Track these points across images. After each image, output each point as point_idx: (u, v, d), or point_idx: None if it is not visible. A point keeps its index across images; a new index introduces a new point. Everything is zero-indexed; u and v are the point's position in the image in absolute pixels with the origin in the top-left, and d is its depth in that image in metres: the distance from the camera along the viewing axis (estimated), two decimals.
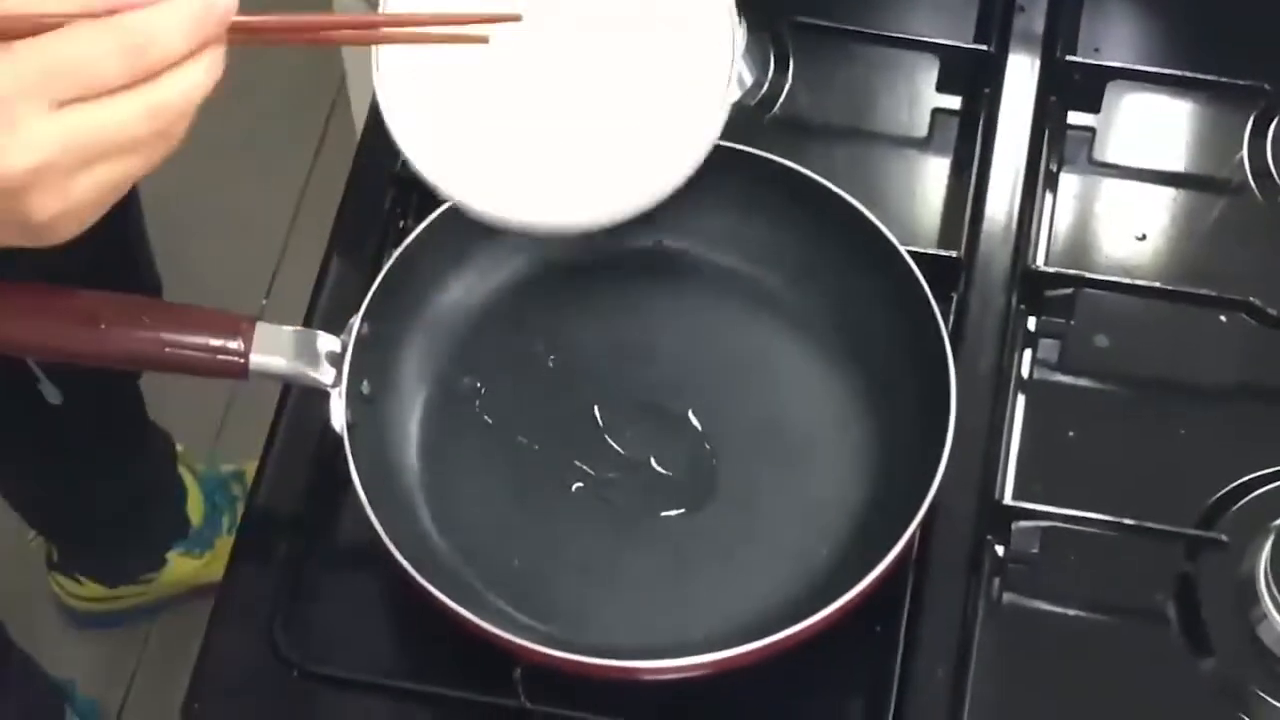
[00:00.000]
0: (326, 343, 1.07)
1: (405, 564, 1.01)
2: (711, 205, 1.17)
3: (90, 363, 1.05)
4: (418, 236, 1.12)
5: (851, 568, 1.02)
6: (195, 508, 1.94)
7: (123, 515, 1.88)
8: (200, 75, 0.81)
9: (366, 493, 1.03)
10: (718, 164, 1.16)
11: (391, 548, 1.02)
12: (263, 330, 1.05)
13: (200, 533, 1.94)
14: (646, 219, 1.14)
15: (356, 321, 1.08)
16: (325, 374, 1.07)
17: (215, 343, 1.04)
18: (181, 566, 1.96)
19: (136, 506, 1.88)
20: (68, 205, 0.80)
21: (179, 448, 1.93)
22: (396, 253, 1.12)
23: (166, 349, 1.03)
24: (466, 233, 1.14)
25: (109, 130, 0.79)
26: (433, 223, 1.13)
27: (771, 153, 1.15)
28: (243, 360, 1.04)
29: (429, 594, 1.01)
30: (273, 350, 1.05)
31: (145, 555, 1.95)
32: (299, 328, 1.07)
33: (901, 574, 1.07)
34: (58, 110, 0.77)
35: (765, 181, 1.16)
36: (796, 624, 1.00)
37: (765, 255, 1.17)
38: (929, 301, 1.10)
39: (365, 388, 1.09)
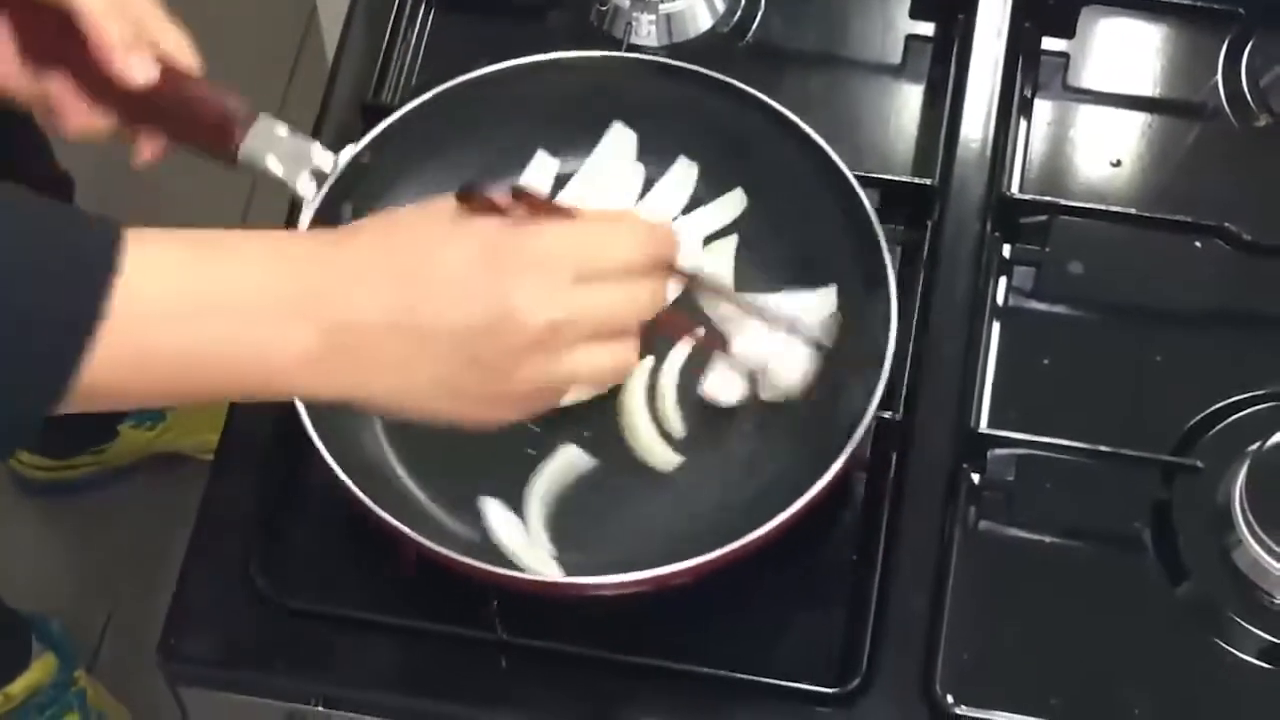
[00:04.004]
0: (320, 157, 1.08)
1: (351, 486, 1.02)
2: (671, 133, 1.16)
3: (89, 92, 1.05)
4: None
5: (798, 482, 1.02)
6: None
7: None
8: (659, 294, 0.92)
9: (325, 443, 1.03)
10: (671, 90, 1.15)
11: (340, 473, 1.02)
12: (265, 122, 1.06)
13: None
14: None
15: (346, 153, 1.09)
16: (306, 187, 1.07)
17: (218, 106, 1.06)
18: (133, 438, 1.96)
19: None
20: (551, 378, 0.89)
21: None
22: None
23: (176, 93, 1.04)
24: (423, 143, 1.15)
25: (603, 310, 0.89)
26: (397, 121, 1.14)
27: (744, 81, 1.15)
28: (235, 140, 1.05)
29: (382, 520, 1.01)
30: (266, 139, 1.06)
31: (94, 428, 1.95)
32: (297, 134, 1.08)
33: (878, 502, 1.08)
34: (576, 285, 0.87)
35: (719, 108, 1.15)
36: (738, 539, 1.00)
37: (721, 183, 1.17)
38: (874, 227, 1.09)
39: (347, 212, 1.10)
